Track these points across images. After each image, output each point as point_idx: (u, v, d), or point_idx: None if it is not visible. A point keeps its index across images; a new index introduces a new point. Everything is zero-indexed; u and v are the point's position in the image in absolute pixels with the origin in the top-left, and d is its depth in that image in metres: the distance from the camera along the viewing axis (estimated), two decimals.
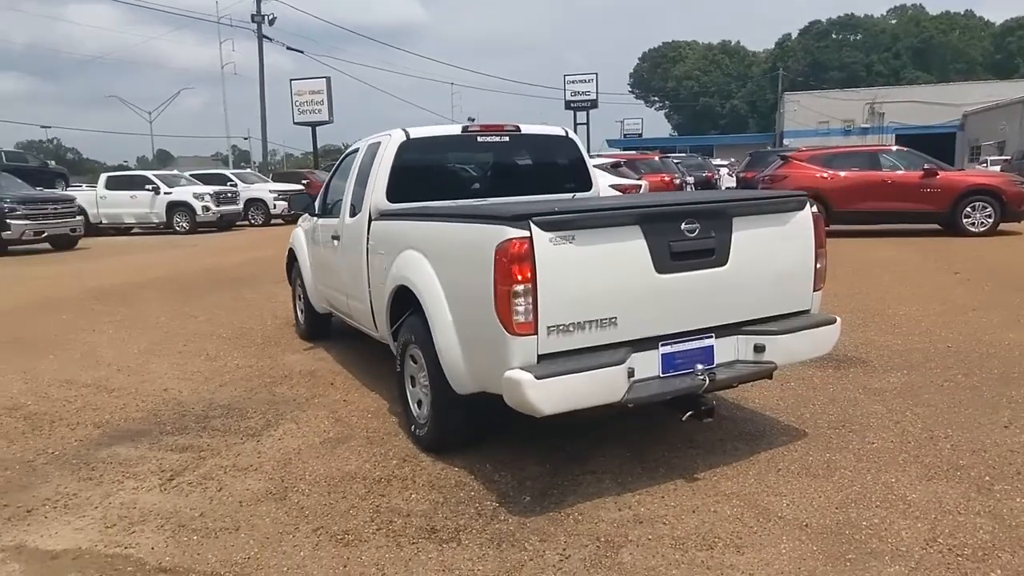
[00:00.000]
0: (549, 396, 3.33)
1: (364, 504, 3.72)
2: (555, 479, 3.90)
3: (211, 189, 22.54)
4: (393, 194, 5.11)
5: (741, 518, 3.41)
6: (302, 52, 38.29)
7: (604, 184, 12.21)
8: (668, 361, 3.71)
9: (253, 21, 34.43)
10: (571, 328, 3.43)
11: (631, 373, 3.52)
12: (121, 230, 22.96)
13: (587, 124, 44.17)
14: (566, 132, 5.82)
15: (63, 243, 18.09)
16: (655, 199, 4.73)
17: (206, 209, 21.79)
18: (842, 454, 4.05)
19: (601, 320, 3.50)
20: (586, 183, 5.77)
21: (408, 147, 5.19)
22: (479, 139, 5.44)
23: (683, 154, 25.75)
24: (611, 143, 54.38)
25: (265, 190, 24.56)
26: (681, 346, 3.74)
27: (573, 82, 44.43)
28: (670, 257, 3.63)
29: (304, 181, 27.08)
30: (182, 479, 4.13)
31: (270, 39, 35.05)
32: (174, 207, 21.96)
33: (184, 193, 22.02)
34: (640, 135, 57.43)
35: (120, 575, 3.18)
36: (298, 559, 3.24)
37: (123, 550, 3.38)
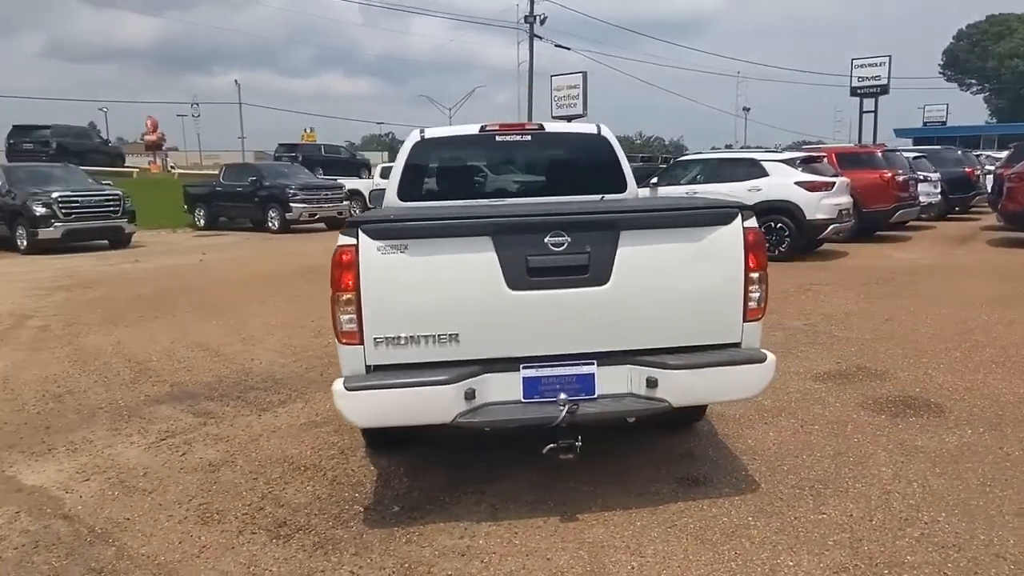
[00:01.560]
0: (361, 408, 3.18)
1: (263, 488, 3.85)
2: (441, 494, 3.70)
3: None
4: (404, 194, 5.13)
5: (564, 573, 2.97)
6: (568, 48, 39.33)
7: (786, 181, 11.03)
8: (531, 386, 3.31)
9: (526, 22, 36.12)
10: (404, 341, 3.22)
11: (471, 394, 3.20)
12: None
13: (875, 112, 39.51)
14: (598, 130, 5.36)
15: (333, 224, 20.54)
16: (516, 209, 4.06)
17: None
18: (766, 521, 3.31)
19: (439, 336, 3.23)
20: (619, 184, 5.28)
21: (422, 147, 5.16)
22: (498, 139, 5.23)
23: (938, 146, 21.77)
24: (900, 133, 47.88)
25: None
26: (549, 371, 3.31)
27: (861, 66, 39.90)
28: (527, 273, 3.22)
29: None
30: (170, 440, 4.59)
31: (540, 37, 36.50)
32: None
33: None
34: (943, 123, 49.79)
35: (36, 513, 3.65)
36: (161, 527, 3.46)
37: (63, 493, 3.87)
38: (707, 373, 3.30)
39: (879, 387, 5.12)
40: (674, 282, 3.33)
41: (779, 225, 11.12)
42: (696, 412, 4.32)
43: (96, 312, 8.78)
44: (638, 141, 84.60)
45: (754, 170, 11.50)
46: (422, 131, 5.25)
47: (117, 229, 16.83)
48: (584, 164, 5.36)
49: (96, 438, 4.66)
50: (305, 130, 73.95)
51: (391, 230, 3.19)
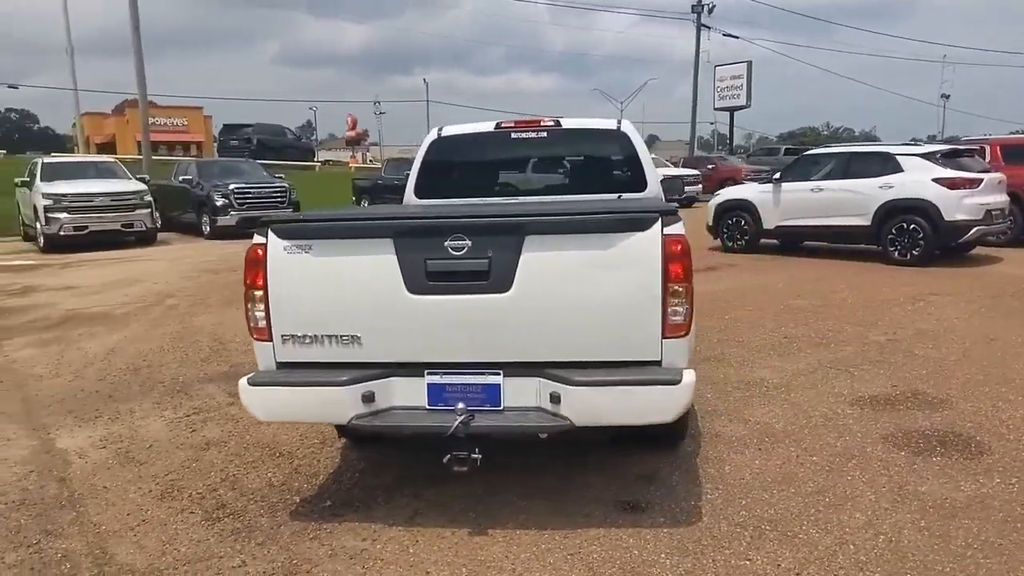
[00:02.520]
0: (262, 404, 3.20)
1: (232, 471, 4.00)
2: (380, 493, 3.65)
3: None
4: (422, 191, 5.11)
5: None
6: (737, 37, 37.16)
7: (921, 178, 9.75)
8: (435, 393, 3.17)
9: (693, 11, 34.56)
10: (308, 340, 3.20)
11: (369, 398, 3.12)
12: None
13: None
14: (618, 125, 5.01)
15: None
16: (421, 212, 3.86)
17: None
18: (677, 560, 2.94)
19: (341, 336, 3.17)
20: (638, 182, 4.92)
21: (439, 145, 5.11)
22: (513, 136, 5.05)
23: None
24: None
25: (659, 175, 24.76)
26: (454, 379, 3.15)
27: None
28: (426, 277, 3.07)
29: (710, 167, 26.60)
30: (193, 417, 4.90)
31: (708, 27, 34.74)
32: None
33: None
34: None
35: (44, 474, 4.04)
36: (124, 499, 3.70)
37: (76, 458, 4.25)
38: (611, 392, 2.99)
39: (923, 417, 4.40)
40: (584, 292, 3.04)
41: (912, 227, 9.85)
42: (673, 432, 3.95)
43: (222, 294, 9.56)
44: (825, 132, 78.75)
45: (888, 165, 10.26)
46: (440, 129, 5.20)
47: None
48: (602, 161, 5.07)
49: (139, 410, 5.08)
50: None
51: (297, 230, 3.18)
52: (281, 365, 3.26)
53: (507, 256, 3.04)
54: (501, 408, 3.13)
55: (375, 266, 3.11)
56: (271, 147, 33.43)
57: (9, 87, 59.42)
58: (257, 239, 3.22)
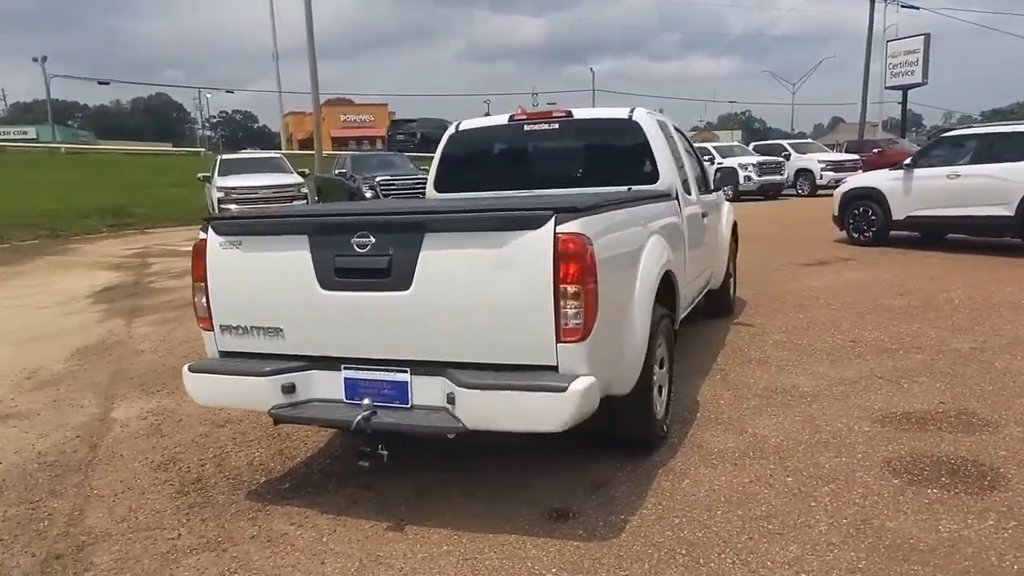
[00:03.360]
0: (198, 389, 3.37)
1: (228, 449, 4.25)
2: (334, 481, 3.72)
3: (756, 159, 22.34)
4: (441, 185, 5.12)
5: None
6: (916, 8, 33.14)
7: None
8: (351, 387, 3.18)
9: None
10: (241, 331, 3.32)
11: (289, 388, 3.18)
12: None
13: None
14: (629, 115, 4.69)
15: None
16: (332, 209, 3.67)
17: (748, 179, 21.75)
18: None
19: (266, 329, 3.26)
20: (650, 174, 4.61)
21: (456, 139, 5.10)
22: (526, 128, 4.91)
23: None
24: None
25: (814, 160, 22.96)
26: (366, 375, 3.14)
27: None
28: (335, 273, 3.09)
29: (875, 150, 24.34)
30: None
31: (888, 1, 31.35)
32: (800, 173, 22.76)
33: (732, 163, 22.36)
34: None
35: (83, 439, 4.51)
36: (127, 466, 4.05)
37: (117, 428, 4.70)
38: (497, 396, 2.84)
39: (951, 442, 3.79)
40: (480, 292, 2.91)
41: None
42: (645, 439, 3.70)
43: None
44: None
45: None
46: (458, 124, 5.17)
47: None
48: (613, 152, 4.81)
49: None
50: (658, 112, 74.52)
51: (230, 227, 3.31)
52: (223, 354, 3.42)
53: (407, 254, 2.98)
54: (409, 406, 3.09)
55: (293, 262, 3.17)
56: (434, 140, 34.78)
57: (226, 92, 66.48)
58: (201, 235, 3.39)
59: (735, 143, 27.99)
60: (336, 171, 20.65)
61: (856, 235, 11.04)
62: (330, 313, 3.15)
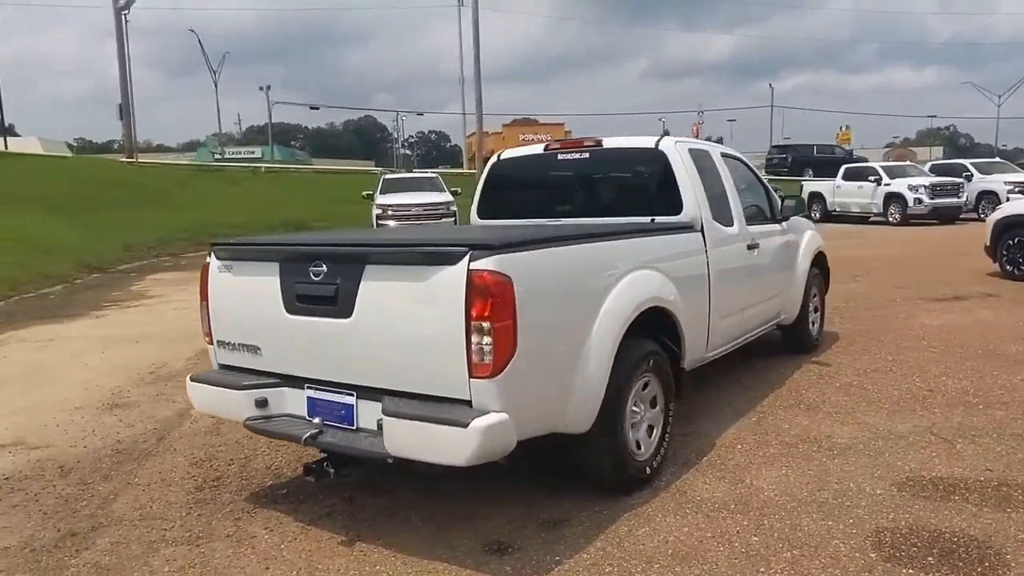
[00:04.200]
0: (195, 397, 3.70)
1: (259, 451, 4.57)
2: (324, 491, 3.90)
3: (928, 180, 20.14)
4: (483, 212, 5.21)
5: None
6: None
7: None
8: (311, 406, 3.36)
9: None
10: (231, 347, 3.59)
11: (262, 403, 3.41)
12: (850, 218, 22.76)
13: None
14: (656, 144, 4.49)
15: None
16: (297, 239, 3.90)
17: (918, 201, 19.69)
18: None
19: (248, 346, 3.51)
20: (673, 206, 4.40)
21: (498, 167, 5.18)
22: (559, 157, 4.88)
23: None
24: None
25: (1000, 181, 20.21)
26: (322, 395, 3.31)
27: None
28: (296, 299, 3.29)
29: None
30: None
31: None
32: (890, 198, 20.56)
33: (901, 185, 20.34)
34: None
35: (158, 431, 5.06)
36: (170, 460, 4.50)
37: (189, 423, 5.22)
38: (411, 426, 2.87)
39: (970, 516, 3.27)
40: (407, 323, 2.98)
41: None
42: (623, 481, 3.57)
43: None
44: None
45: None
46: (499, 153, 5.24)
47: None
48: (638, 182, 4.68)
49: None
50: (840, 128, 69.64)
51: (224, 252, 3.62)
52: (220, 366, 3.73)
53: (350, 283, 3.12)
54: (355, 428, 3.20)
55: (267, 286, 3.41)
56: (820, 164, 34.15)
57: (417, 114, 71.23)
58: (207, 258, 3.73)
59: (907, 163, 25.46)
60: (367, 193, 21.07)
61: (1010, 268, 9.69)
62: (293, 335, 3.35)
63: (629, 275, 3.58)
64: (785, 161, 35.04)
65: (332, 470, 3.28)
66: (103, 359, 7.25)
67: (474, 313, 2.78)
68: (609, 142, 4.76)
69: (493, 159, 5.27)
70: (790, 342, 6.26)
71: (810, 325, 6.31)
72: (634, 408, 3.69)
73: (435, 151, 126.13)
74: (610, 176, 5.00)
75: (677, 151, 4.48)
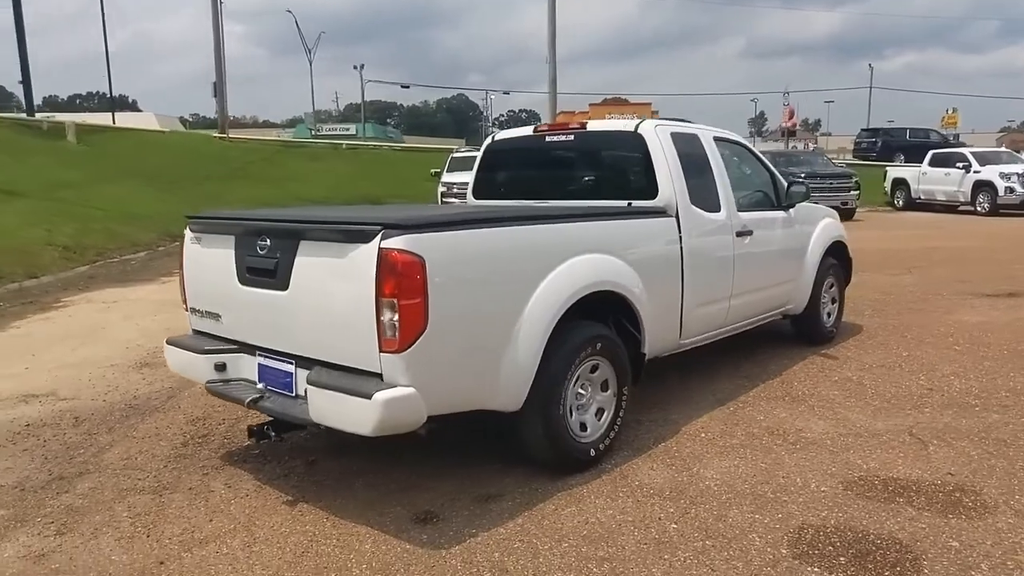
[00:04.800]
0: (169, 359, 3.94)
1: (247, 416, 4.76)
2: (297, 452, 4.08)
3: (1022, 168, 18.63)
4: (477, 192, 5.26)
5: (218, 534, 3.21)
6: None
7: None
8: (261, 372, 3.54)
9: None
10: (200, 314, 3.81)
11: (221, 367, 3.60)
12: (936, 207, 21.39)
13: None
14: (636, 128, 4.39)
15: (840, 214, 18.84)
16: (249, 214, 3.96)
17: (1010, 190, 18.28)
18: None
19: (212, 313, 3.71)
20: (650, 190, 4.32)
21: (491, 149, 5.22)
22: (547, 139, 4.88)
23: None
24: None
25: None
26: (270, 362, 3.47)
27: None
28: (246, 270, 3.47)
29: None
30: None
31: None
32: (979, 186, 19.19)
33: (992, 172, 18.92)
34: None
35: (172, 388, 5.42)
36: (172, 417, 4.81)
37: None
38: (326, 395, 3.01)
39: (906, 519, 3.12)
40: (328, 297, 3.11)
41: None
42: (568, 461, 3.61)
43: None
44: None
45: None
46: (493, 135, 5.26)
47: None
48: (618, 166, 4.63)
49: None
50: (947, 111, 65.18)
51: (195, 225, 3.83)
52: (194, 331, 3.96)
53: (288, 258, 3.26)
54: (294, 395, 3.34)
55: (224, 258, 3.59)
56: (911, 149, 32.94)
57: (503, 93, 71.10)
58: (185, 231, 3.94)
59: (1003, 149, 23.55)
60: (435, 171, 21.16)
61: None
62: (245, 304, 3.53)
63: (573, 259, 3.55)
64: (874, 145, 33.16)
65: (273, 434, 3.45)
66: (153, 321, 7.74)
67: (384, 290, 2.86)
68: (593, 125, 4.70)
69: (488, 140, 5.30)
70: (800, 333, 6.03)
71: (823, 317, 6.05)
72: (580, 390, 3.70)
73: None
74: (592, 159, 4.94)
75: (656, 135, 4.38)
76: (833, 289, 6.21)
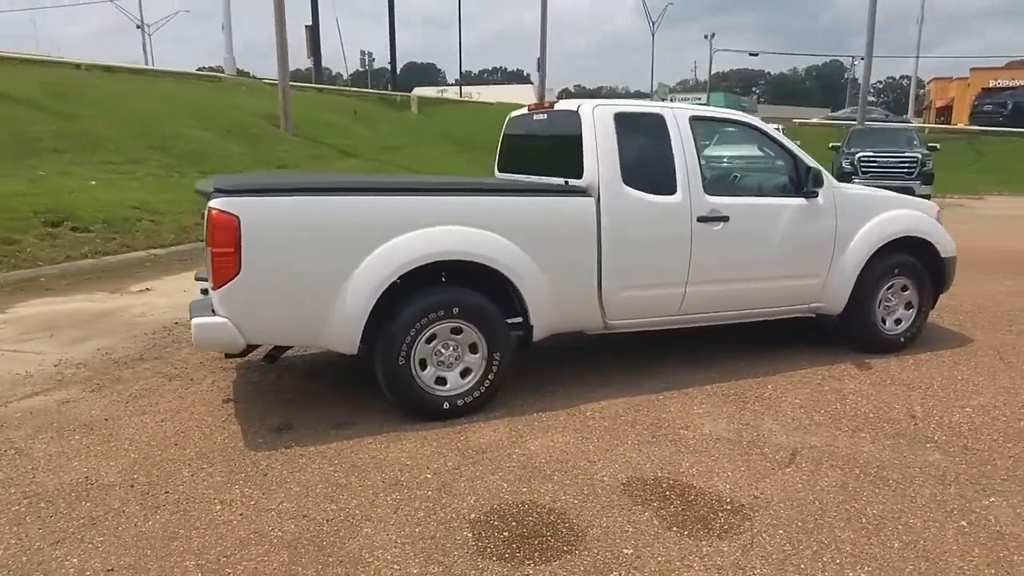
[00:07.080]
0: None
1: (285, 387, 4.94)
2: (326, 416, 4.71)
3: None
4: (500, 167, 5.55)
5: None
6: None
7: None
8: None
9: None
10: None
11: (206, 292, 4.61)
12: None
13: None
14: (576, 108, 4.38)
15: None
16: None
17: None
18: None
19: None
20: (576, 169, 4.31)
21: (510, 124, 5.48)
22: (534, 117, 5.09)
23: None
24: None
25: None
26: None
27: None
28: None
29: None
30: None
31: None
32: None
33: None
34: None
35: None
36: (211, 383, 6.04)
37: None
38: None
39: (641, 520, 2.82)
40: None
41: None
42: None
43: None
44: None
45: None
46: (513, 112, 5.47)
47: (907, 189, 16.16)
48: (563, 145, 4.57)
49: None
50: None
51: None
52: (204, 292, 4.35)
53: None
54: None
55: None
56: None
57: (859, 59, 62.36)
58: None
59: None
60: (834, 145, 18.95)
61: None
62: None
63: (421, 230, 3.77)
64: (1002, 108, 23.00)
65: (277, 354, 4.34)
66: None
67: (209, 240, 3.59)
68: (558, 105, 4.71)
69: (509, 116, 5.50)
70: (847, 336, 5.13)
71: (877, 321, 5.05)
72: (442, 349, 3.94)
73: (903, 98, 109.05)
74: (552, 139, 4.92)
75: (592, 117, 4.29)
76: (907, 292, 5.09)
